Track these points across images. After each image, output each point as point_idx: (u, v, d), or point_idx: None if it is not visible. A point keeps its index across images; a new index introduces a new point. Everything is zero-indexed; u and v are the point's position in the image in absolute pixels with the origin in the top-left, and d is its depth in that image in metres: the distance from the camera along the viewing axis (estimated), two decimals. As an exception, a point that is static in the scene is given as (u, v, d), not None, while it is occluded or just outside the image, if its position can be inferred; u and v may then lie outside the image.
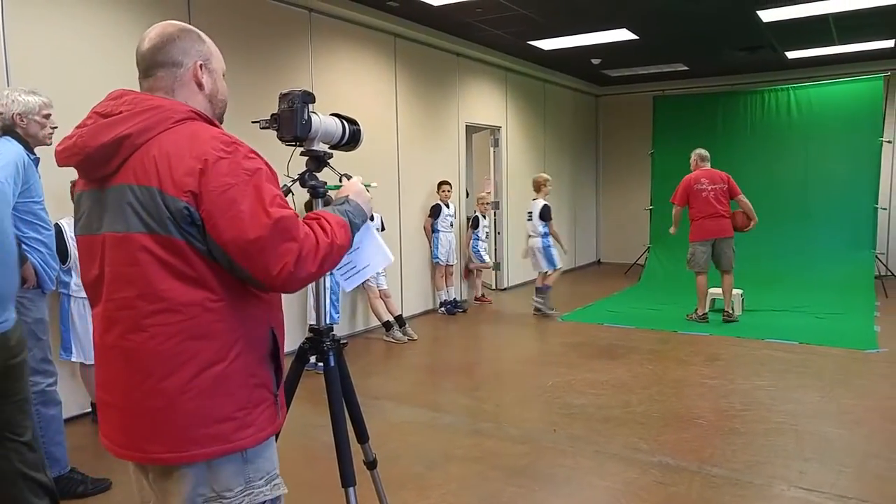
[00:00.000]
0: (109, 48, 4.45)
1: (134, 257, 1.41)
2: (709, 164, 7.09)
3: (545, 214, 7.51)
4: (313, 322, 2.16)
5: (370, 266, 1.97)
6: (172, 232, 1.39)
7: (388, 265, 2.03)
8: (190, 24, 1.60)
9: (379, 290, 6.44)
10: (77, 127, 1.49)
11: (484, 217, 8.33)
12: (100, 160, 1.44)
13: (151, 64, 1.54)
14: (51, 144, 3.00)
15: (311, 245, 1.46)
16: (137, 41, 1.56)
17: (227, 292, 1.45)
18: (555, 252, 7.62)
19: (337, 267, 1.82)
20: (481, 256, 8.33)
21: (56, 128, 3.10)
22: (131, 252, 1.41)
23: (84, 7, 4.37)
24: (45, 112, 3.06)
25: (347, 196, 1.75)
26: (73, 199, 2.61)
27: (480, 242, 8.32)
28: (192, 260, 1.41)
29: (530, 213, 7.63)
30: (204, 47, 1.59)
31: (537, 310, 7.68)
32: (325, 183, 2.01)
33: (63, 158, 1.50)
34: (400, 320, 6.54)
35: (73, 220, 2.52)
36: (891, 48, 8.69)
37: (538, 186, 7.65)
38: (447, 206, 7.67)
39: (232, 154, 1.41)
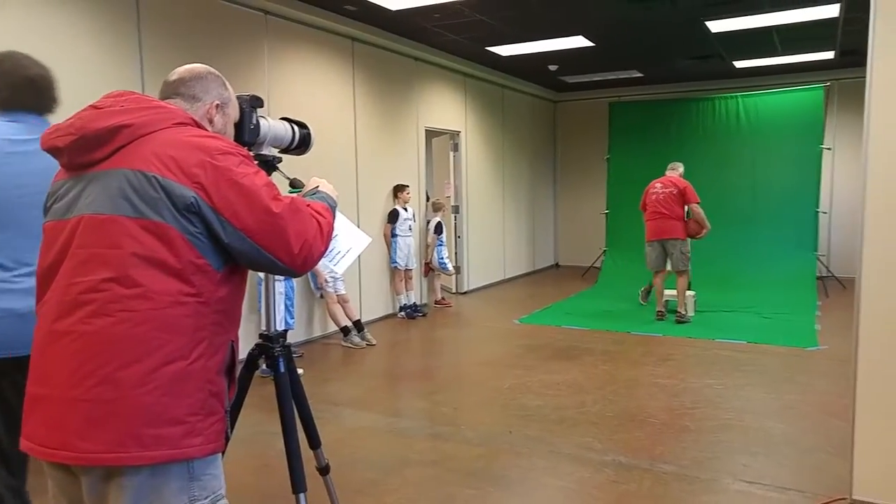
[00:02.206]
0: (55, 46, 4.33)
1: (116, 240, 1.40)
2: (676, 173, 7.45)
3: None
4: (264, 328, 2.17)
5: (353, 248, 2.11)
6: (167, 218, 1.41)
7: (368, 244, 2.16)
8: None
9: (337, 296, 6.42)
10: (70, 117, 1.52)
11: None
12: (95, 143, 1.46)
13: (171, 93, 1.63)
14: None
15: (316, 226, 1.59)
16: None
17: (202, 289, 1.45)
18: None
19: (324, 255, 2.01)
20: (444, 263, 8.37)
21: None
22: (114, 234, 1.41)
23: (26, 4, 4.25)
24: None
25: (317, 187, 1.90)
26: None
27: (443, 249, 8.36)
28: (178, 248, 1.42)
29: None
30: (226, 92, 1.71)
31: None
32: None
33: (52, 138, 1.50)
34: (358, 325, 6.54)
35: None
36: (831, 59, 9.02)
37: None
38: (405, 210, 7.70)
39: (236, 151, 1.52)
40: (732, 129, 9.83)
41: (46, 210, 1.56)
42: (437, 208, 8.37)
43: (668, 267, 7.34)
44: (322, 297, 6.50)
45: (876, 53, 2.89)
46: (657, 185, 7.34)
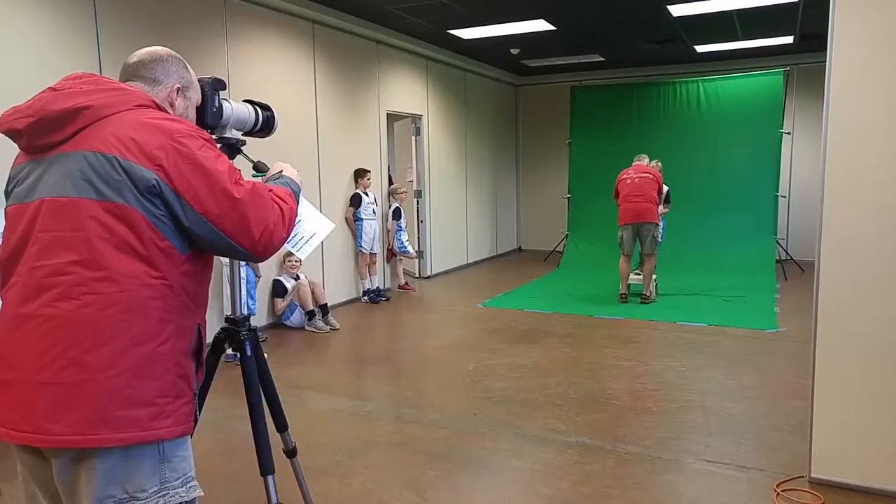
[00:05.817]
0: (11, 30, 4.18)
1: (79, 222, 1.39)
2: (643, 163, 7.60)
3: None
4: (229, 312, 2.14)
5: (317, 234, 2.09)
6: (129, 200, 1.40)
7: (332, 230, 2.14)
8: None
9: (308, 280, 6.42)
10: (29, 100, 1.48)
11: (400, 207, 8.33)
12: (54, 124, 1.43)
13: (131, 75, 1.60)
14: None
15: (278, 211, 1.58)
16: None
17: (168, 271, 1.46)
18: None
19: (287, 240, 1.98)
20: (405, 247, 8.35)
21: None
22: (77, 217, 1.39)
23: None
24: None
25: (281, 171, 1.89)
26: None
27: (403, 233, 8.34)
28: (141, 230, 1.41)
29: None
30: (188, 75, 1.68)
31: None
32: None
33: (11, 121, 1.47)
34: (324, 309, 6.50)
35: None
36: (790, 44, 9.17)
37: None
38: (367, 195, 7.65)
39: (198, 134, 1.50)
40: (693, 114, 9.93)
41: (8, 194, 1.55)
42: (393, 194, 8.36)
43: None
44: None
45: (836, 38, 2.93)
46: (630, 172, 7.47)
